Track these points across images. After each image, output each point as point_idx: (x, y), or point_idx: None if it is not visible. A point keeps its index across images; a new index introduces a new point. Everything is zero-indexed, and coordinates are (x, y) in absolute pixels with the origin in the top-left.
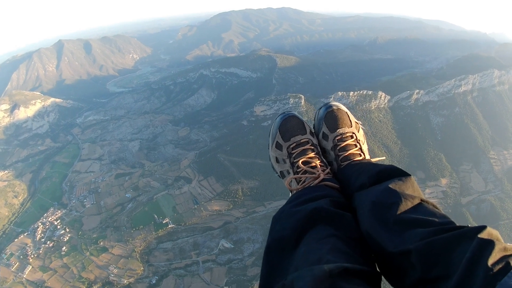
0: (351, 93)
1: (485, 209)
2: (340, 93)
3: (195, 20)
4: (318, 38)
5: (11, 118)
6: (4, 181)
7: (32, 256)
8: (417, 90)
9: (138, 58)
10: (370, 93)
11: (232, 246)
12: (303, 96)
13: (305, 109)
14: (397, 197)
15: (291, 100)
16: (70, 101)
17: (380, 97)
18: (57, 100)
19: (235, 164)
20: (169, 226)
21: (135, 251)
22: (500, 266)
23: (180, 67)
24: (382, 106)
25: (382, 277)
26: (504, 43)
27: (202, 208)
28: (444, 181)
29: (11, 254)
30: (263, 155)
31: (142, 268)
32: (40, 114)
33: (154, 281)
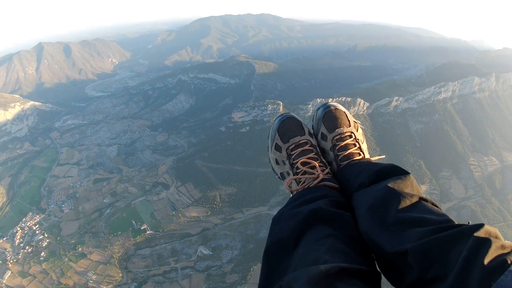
0: (330, 99)
1: (466, 215)
2: (319, 100)
3: (175, 25)
4: (297, 44)
5: None
6: None
7: (11, 261)
8: (396, 97)
9: (117, 62)
10: (349, 99)
11: (211, 253)
12: (281, 103)
13: None
14: (395, 196)
15: (270, 107)
16: (49, 105)
17: (359, 104)
18: (36, 103)
19: (213, 170)
20: (147, 232)
21: (114, 257)
22: (497, 265)
23: (158, 72)
24: (361, 113)
25: (383, 277)
26: (484, 51)
27: (180, 215)
28: (423, 187)
29: None
30: (241, 161)
31: (120, 274)
32: (19, 117)
33: None
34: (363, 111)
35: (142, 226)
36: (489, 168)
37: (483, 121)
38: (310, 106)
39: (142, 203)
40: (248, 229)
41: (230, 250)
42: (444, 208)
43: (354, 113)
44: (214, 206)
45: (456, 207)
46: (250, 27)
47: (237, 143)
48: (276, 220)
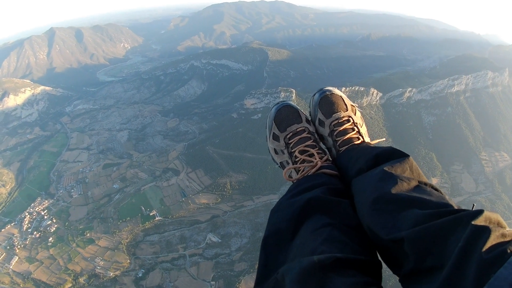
0: (343, 88)
1: None
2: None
3: (188, 11)
4: (310, 32)
5: (1, 106)
6: None
7: (19, 246)
8: (410, 88)
9: (129, 47)
10: (362, 89)
11: (220, 241)
12: (294, 90)
13: (296, 103)
14: (393, 179)
15: (282, 94)
16: (60, 90)
17: (372, 93)
18: (47, 88)
19: (224, 157)
20: (156, 218)
21: (122, 243)
22: (496, 255)
23: (171, 58)
24: (373, 103)
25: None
26: (498, 45)
27: (189, 201)
28: (434, 180)
29: None
30: (252, 148)
31: (128, 260)
32: (29, 102)
33: (140, 274)
34: (376, 101)
35: (151, 212)
36: (500, 164)
37: (495, 116)
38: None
39: (152, 189)
40: (258, 217)
41: (239, 238)
42: (454, 202)
43: (367, 103)
44: (224, 193)
45: (466, 202)
46: (264, 14)
47: (249, 130)
48: (274, 210)
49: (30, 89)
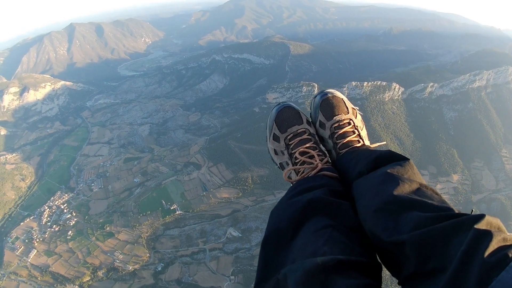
0: (365, 83)
1: (495, 208)
2: (354, 83)
3: (208, 5)
4: (332, 26)
5: (20, 101)
6: (12, 164)
7: (37, 240)
8: (431, 83)
9: (150, 42)
10: (384, 84)
11: (240, 235)
12: (316, 85)
13: None
14: (394, 181)
15: (304, 88)
16: (81, 84)
17: (394, 88)
18: (67, 83)
19: (245, 151)
20: (177, 212)
21: (142, 237)
22: (498, 259)
23: (192, 52)
24: (395, 97)
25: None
26: None
27: (210, 195)
28: (455, 177)
29: (16, 238)
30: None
31: (148, 254)
32: (49, 97)
33: (159, 268)
34: (398, 96)
35: (171, 206)
36: None
37: None
38: (345, 89)
39: (173, 183)
40: None
41: (260, 233)
42: (474, 199)
43: (389, 97)
44: (245, 187)
45: (487, 199)
46: (285, 8)
47: None
48: (275, 210)
49: (50, 84)
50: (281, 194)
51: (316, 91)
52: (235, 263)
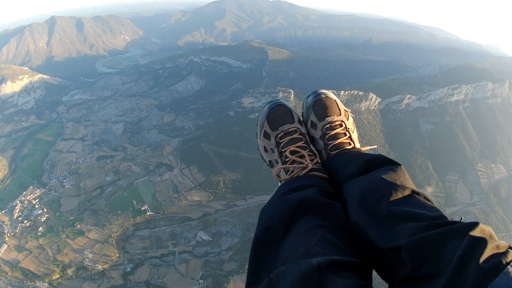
0: (342, 92)
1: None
2: (330, 91)
3: (190, 6)
4: (311, 34)
5: None
6: None
7: (8, 235)
8: (409, 95)
9: (129, 39)
10: (361, 93)
11: (210, 239)
12: (292, 91)
13: (294, 104)
14: (387, 187)
15: (281, 94)
16: (58, 79)
17: (371, 98)
18: (45, 76)
19: (218, 154)
20: (148, 213)
21: (112, 237)
22: (492, 265)
23: (170, 52)
24: (372, 108)
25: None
26: (499, 56)
27: (182, 198)
28: (429, 189)
29: None
30: (247, 147)
31: (117, 254)
32: (26, 90)
33: (128, 269)
34: (375, 106)
35: (142, 207)
36: (496, 175)
37: (493, 127)
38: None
39: (145, 183)
40: (249, 217)
41: (230, 238)
42: (448, 212)
43: (366, 107)
44: (217, 191)
45: (461, 212)
46: (266, 13)
47: (245, 129)
48: (265, 208)
49: (28, 76)
50: (252, 199)
51: (292, 97)
52: (204, 267)
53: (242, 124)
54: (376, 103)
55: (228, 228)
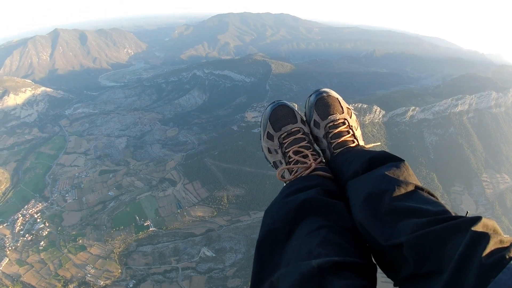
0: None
1: None
2: None
3: (192, 20)
4: (314, 46)
5: (0, 104)
6: None
7: (10, 248)
8: (413, 107)
9: (132, 53)
10: (365, 106)
11: (214, 255)
12: (296, 105)
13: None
14: (390, 183)
15: None
16: (61, 92)
17: (375, 111)
18: (48, 89)
19: (222, 169)
20: (150, 229)
21: (114, 252)
22: (495, 261)
23: (173, 66)
24: (376, 120)
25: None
26: (502, 65)
27: (185, 213)
28: None
29: None
30: (251, 162)
31: (119, 270)
32: (29, 103)
33: (131, 285)
34: (379, 119)
35: (145, 222)
36: (501, 185)
37: (497, 137)
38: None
39: (147, 199)
40: (254, 233)
41: (234, 254)
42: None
43: (370, 120)
44: (220, 206)
45: None
46: (269, 26)
47: (249, 144)
48: (268, 210)
49: (31, 89)
50: (256, 215)
51: None
52: (208, 283)
53: (246, 139)
54: (380, 116)
55: (232, 244)
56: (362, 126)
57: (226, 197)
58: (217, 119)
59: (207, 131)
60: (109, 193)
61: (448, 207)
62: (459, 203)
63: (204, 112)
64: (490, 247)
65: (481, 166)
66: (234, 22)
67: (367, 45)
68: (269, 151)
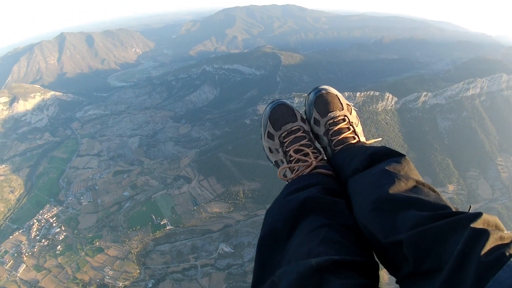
0: (358, 93)
1: None
2: (346, 93)
3: (199, 15)
4: (323, 36)
5: (10, 111)
6: (1, 175)
7: (27, 254)
8: (425, 93)
9: (140, 52)
10: (377, 94)
11: (232, 251)
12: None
13: None
14: (390, 178)
15: (296, 99)
16: (71, 95)
17: (387, 98)
18: (57, 93)
19: (236, 164)
20: (167, 227)
21: (132, 253)
22: (495, 258)
23: (182, 63)
24: (389, 108)
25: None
26: (510, 46)
27: (201, 210)
28: (451, 187)
29: (5, 252)
30: (265, 156)
31: (138, 270)
32: (39, 108)
33: (150, 285)
34: (391, 106)
35: (162, 221)
36: None
37: (510, 119)
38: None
39: (163, 197)
40: None
41: (253, 248)
42: (471, 210)
43: (383, 108)
44: (237, 201)
45: (483, 209)
46: (276, 18)
47: None
48: (270, 209)
49: (40, 94)
50: None
51: None
52: (227, 279)
53: (259, 132)
54: (393, 103)
55: (250, 239)
56: (375, 114)
57: (242, 192)
58: (229, 114)
59: (219, 126)
60: (124, 193)
61: (449, 203)
62: (475, 188)
63: (215, 107)
64: (490, 244)
65: (495, 150)
66: (241, 16)
67: (375, 32)
68: (271, 151)
